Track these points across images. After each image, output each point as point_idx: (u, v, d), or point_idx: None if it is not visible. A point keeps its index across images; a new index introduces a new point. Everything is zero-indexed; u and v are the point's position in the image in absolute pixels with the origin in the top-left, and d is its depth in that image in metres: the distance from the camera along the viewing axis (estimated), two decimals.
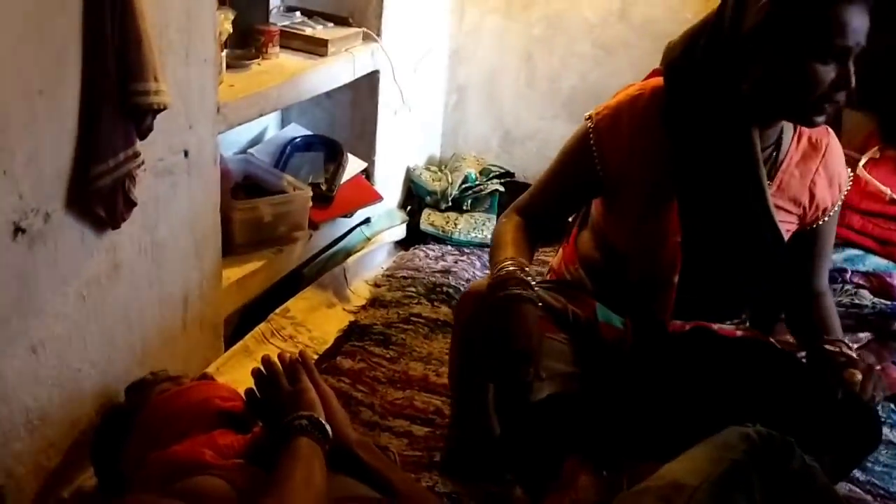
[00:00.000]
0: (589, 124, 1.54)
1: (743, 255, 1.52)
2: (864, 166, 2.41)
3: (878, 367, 2.08)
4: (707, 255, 1.51)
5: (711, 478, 1.18)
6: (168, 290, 1.71)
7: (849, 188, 1.58)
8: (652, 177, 1.49)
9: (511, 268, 1.44)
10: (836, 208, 1.58)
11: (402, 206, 2.82)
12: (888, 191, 2.33)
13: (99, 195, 1.41)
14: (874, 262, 2.29)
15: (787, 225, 1.53)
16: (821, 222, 1.57)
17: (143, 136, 1.45)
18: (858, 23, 1.31)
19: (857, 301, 2.19)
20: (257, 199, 2.05)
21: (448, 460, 1.73)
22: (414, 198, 2.83)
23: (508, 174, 2.91)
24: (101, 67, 1.34)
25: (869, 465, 1.84)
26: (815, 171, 1.52)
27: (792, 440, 1.27)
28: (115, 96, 1.36)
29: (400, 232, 2.69)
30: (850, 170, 1.61)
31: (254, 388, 1.35)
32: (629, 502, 1.20)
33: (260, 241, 2.08)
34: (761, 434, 1.25)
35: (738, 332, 1.67)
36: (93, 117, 1.36)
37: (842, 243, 2.33)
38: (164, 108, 1.44)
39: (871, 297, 2.21)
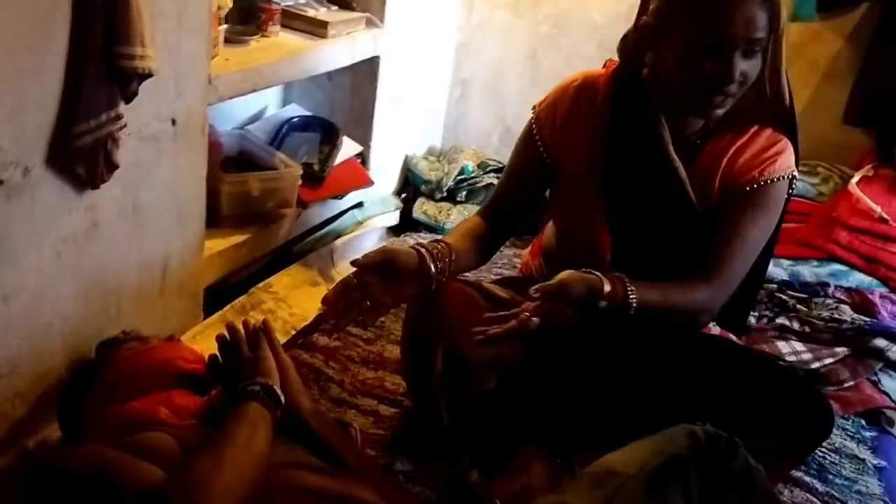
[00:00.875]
0: (532, 115, 1.65)
1: (664, 235, 1.58)
2: (856, 183, 2.41)
3: (851, 384, 2.11)
4: (632, 236, 1.58)
5: (647, 468, 1.20)
6: (147, 255, 1.74)
7: (785, 175, 1.53)
8: (582, 161, 1.58)
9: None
10: (755, 186, 1.52)
11: (398, 193, 2.85)
12: (878, 209, 2.32)
13: (79, 154, 1.44)
14: (858, 279, 2.29)
15: (708, 200, 1.56)
16: (731, 194, 1.53)
17: (128, 100, 1.48)
18: (751, 13, 1.34)
19: (836, 316, 2.19)
20: (246, 174, 2.08)
21: (397, 439, 1.77)
22: (410, 186, 2.85)
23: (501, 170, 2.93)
24: (88, 28, 1.36)
25: (831, 476, 1.85)
26: (734, 148, 1.54)
27: (738, 441, 1.28)
28: (101, 58, 1.39)
29: (393, 218, 2.72)
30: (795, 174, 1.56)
31: (217, 353, 1.39)
32: (566, 487, 1.22)
33: (247, 216, 2.11)
34: (708, 433, 1.27)
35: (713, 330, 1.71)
36: (77, 77, 1.39)
37: (827, 258, 2.34)
38: (150, 74, 1.47)
39: (852, 312, 2.21)
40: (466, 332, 1.48)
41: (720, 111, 1.45)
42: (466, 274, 1.71)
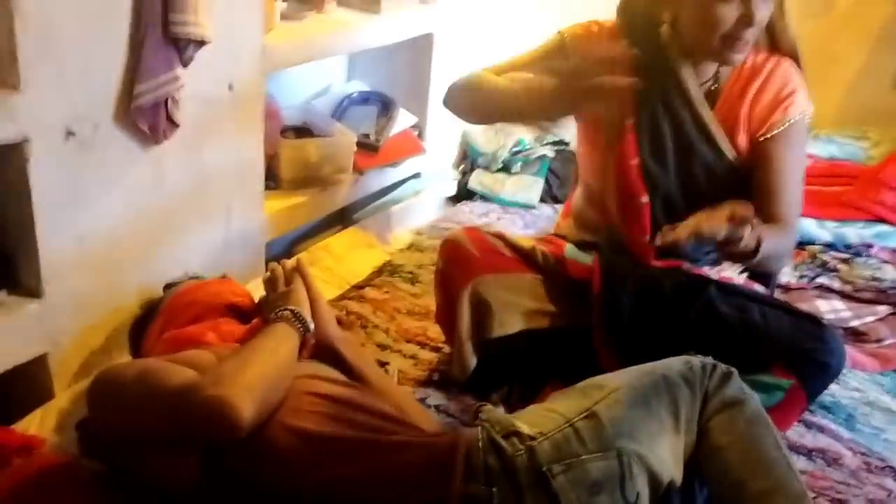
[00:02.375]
0: (563, 35, 1.69)
1: (695, 177, 1.65)
2: None
3: (891, 342, 2.12)
4: (664, 179, 1.65)
5: (634, 383, 1.30)
6: (210, 208, 1.94)
7: (809, 111, 1.64)
8: (613, 103, 1.63)
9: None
10: (782, 128, 1.62)
11: (457, 165, 2.98)
12: None
13: (142, 111, 1.64)
14: None
15: (739, 143, 1.65)
16: (763, 137, 1.63)
17: (185, 64, 1.67)
18: None
19: (877, 275, 2.21)
20: (304, 140, 2.27)
21: (432, 378, 1.90)
22: (468, 159, 2.98)
23: (562, 142, 3.02)
24: None
25: (859, 425, 1.88)
26: (754, 90, 1.63)
27: (733, 371, 1.36)
28: (160, 24, 1.59)
29: (450, 189, 2.86)
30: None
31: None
32: (556, 398, 1.33)
33: (306, 179, 2.29)
34: (704, 362, 1.36)
35: (739, 280, 1.78)
36: (139, 42, 1.59)
37: (873, 219, 2.35)
38: (204, 41, 1.66)
39: (894, 272, 2.23)
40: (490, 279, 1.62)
41: (742, 55, 1.56)
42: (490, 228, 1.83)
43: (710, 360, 1.37)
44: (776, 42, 1.65)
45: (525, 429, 1.22)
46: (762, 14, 1.49)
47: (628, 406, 1.26)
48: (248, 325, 1.58)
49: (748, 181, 1.66)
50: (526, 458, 1.18)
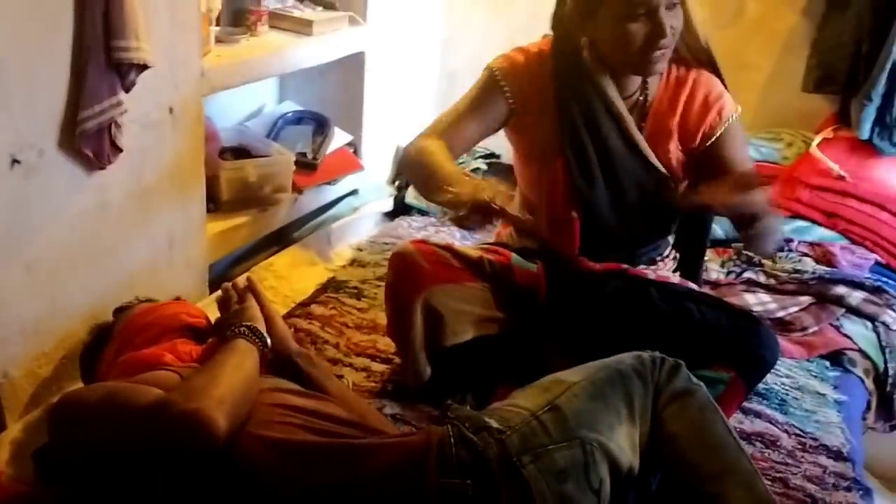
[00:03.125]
0: (493, 69, 1.79)
1: (624, 191, 1.75)
2: (817, 145, 2.57)
3: (815, 329, 2.26)
4: (593, 195, 1.74)
5: (592, 377, 1.36)
6: (154, 231, 1.93)
7: (737, 112, 1.77)
8: (546, 127, 1.74)
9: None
10: (722, 129, 1.76)
11: (392, 181, 3.03)
12: (836, 167, 2.48)
13: (86, 137, 1.63)
14: (819, 233, 2.45)
15: (670, 155, 1.76)
16: (710, 142, 1.76)
17: (127, 90, 1.68)
18: None
19: (799, 268, 2.34)
20: (243, 161, 2.28)
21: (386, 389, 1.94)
22: (403, 174, 3.03)
23: (494, 155, 3.10)
24: (90, 25, 1.57)
25: (792, 409, 1.99)
26: (683, 101, 1.74)
27: (681, 363, 1.44)
28: (101, 51, 1.59)
29: (387, 204, 2.90)
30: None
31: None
32: (518, 395, 1.38)
33: (246, 200, 2.30)
34: (654, 357, 1.43)
35: (674, 279, 1.87)
36: (82, 68, 1.59)
37: (791, 215, 2.50)
38: (146, 66, 1.66)
39: (814, 264, 2.37)
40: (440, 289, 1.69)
41: (661, 65, 1.66)
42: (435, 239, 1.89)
43: (658, 354, 1.44)
44: (692, 52, 1.76)
45: (494, 423, 1.27)
46: (671, 26, 1.60)
47: (587, 399, 1.33)
48: (205, 345, 1.59)
49: (677, 192, 1.76)
50: (497, 450, 1.23)
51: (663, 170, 1.76)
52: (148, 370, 1.45)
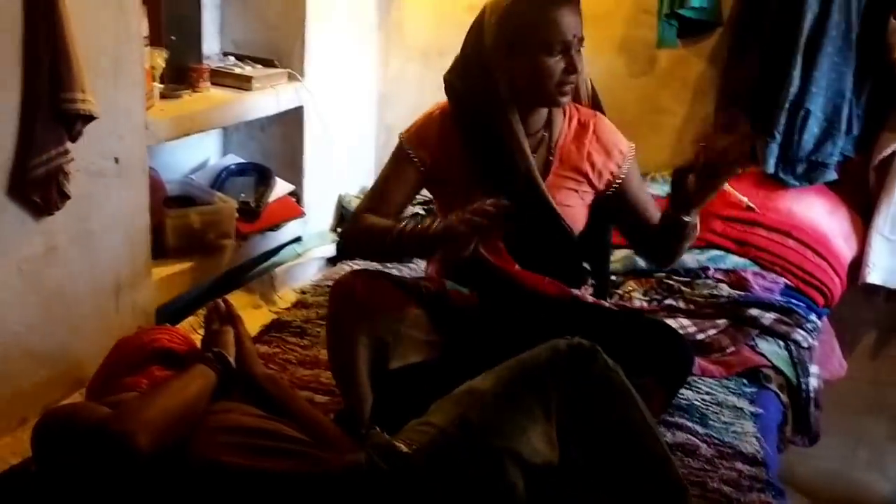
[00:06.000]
0: (400, 140, 1.94)
1: (537, 226, 1.89)
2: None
3: (732, 349, 2.41)
4: (520, 237, 1.87)
5: (501, 382, 1.45)
6: (101, 277, 2.02)
7: (633, 149, 1.97)
8: (459, 173, 1.89)
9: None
10: (625, 171, 1.95)
11: (334, 228, 3.15)
12: (746, 200, 2.66)
13: (34, 184, 1.74)
14: (733, 261, 2.64)
15: (580, 194, 1.93)
16: (616, 183, 1.95)
17: (73, 139, 1.79)
18: (570, 20, 1.76)
19: (715, 293, 2.51)
20: (187, 209, 2.39)
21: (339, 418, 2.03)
22: (345, 221, 3.16)
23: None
24: (37, 78, 1.69)
25: (711, 422, 2.12)
26: (589, 144, 1.92)
27: (598, 347, 1.49)
28: (48, 103, 1.71)
29: (329, 250, 3.01)
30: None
31: None
32: (433, 409, 1.48)
33: (191, 247, 2.40)
34: (570, 344, 1.48)
35: (589, 299, 2.01)
36: (30, 119, 1.70)
37: (705, 245, 2.67)
38: (91, 117, 1.78)
39: (729, 289, 2.54)
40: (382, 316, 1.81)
41: (568, 98, 1.85)
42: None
43: (576, 339, 1.50)
44: (586, 93, 2.00)
45: (403, 447, 1.38)
46: (580, 64, 1.80)
47: (497, 406, 1.42)
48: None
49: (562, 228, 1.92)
50: (405, 472, 1.35)
51: (559, 212, 1.89)
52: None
